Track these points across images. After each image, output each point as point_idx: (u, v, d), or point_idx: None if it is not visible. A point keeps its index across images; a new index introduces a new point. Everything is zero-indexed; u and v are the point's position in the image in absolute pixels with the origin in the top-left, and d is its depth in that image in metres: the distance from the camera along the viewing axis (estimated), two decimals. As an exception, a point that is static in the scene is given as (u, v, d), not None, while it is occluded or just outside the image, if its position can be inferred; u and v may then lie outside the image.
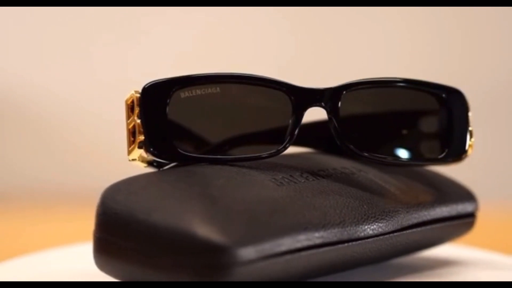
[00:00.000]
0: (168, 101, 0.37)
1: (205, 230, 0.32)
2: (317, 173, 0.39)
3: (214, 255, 0.31)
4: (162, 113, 0.37)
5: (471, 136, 0.42)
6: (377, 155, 0.41)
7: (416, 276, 0.40)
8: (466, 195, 0.44)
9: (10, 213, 0.92)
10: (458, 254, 0.46)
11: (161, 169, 0.38)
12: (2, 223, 0.83)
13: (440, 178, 0.45)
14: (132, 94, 0.37)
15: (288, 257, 0.34)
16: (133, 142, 0.37)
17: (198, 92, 0.37)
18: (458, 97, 0.42)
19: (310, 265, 0.36)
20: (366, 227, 0.37)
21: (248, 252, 0.32)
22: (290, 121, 0.38)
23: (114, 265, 0.34)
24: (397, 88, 0.42)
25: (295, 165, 0.39)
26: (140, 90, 0.37)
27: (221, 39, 1.14)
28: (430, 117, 0.43)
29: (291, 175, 0.38)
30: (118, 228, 0.33)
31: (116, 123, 1.13)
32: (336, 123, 0.39)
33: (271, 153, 0.38)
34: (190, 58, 1.12)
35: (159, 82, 0.37)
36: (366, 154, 0.40)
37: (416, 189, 0.43)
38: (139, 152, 0.37)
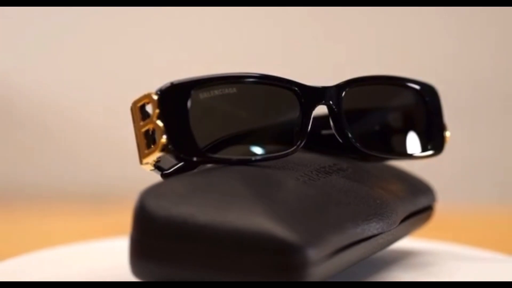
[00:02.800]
0: (188, 102, 0.36)
1: (279, 230, 0.31)
2: (322, 171, 0.39)
3: (290, 255, 0.30)
4: (184, 114, 0.35)
5: (445, 130, 0.44)
6: (377, 151, 0.42)
7: (399, 268, 0.41)
8: (429, 188, 0.46)
9: (9, 212, 0.89)
10: (417, 246, 0.48)
11: (164, 172, 0.37)
12: (3, 222, 0.81)
13: (405, 173, 0.46)
14: (146, 95, 0.36)
15: (340, 254, 0.34)
16: (148, 145, 0.36)
17: (216, 92, 0.36)
18: (433, 93, 0.44)
19: (351, 261, 0.36)
20: (385, 221, 0.38)
21: (316, 252, 0.31)
22: (300, 119, 0.38)
23: (164, 270, 0.32)
24: (386, 85, 0.43)
25: (301, 163, 0.39)
26: (155, 92, 0.36)
27: (220, 39, 1.13)
28: (413, 113, 0.44)
29: (305, 173, 0.37)
30: (175, 233, 0.32)
31: (115, 123, 1.11)
32: (341, 121, 0.39)
33: (289, 151, 0.38)
34: (191, 59, 1.10)
35: (180, 83, 0.36)
36: (368, 150, 0.41)
37: (396, 182, 0.44)
38: (156, 155, 0.36)
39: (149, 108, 0.36)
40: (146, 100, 0.36)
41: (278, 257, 0.31)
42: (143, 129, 0.36)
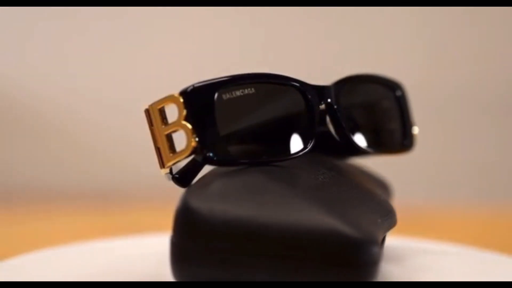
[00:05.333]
0: (214, 103, 0.35)
1: (347, 228, 0.31)
2: (326, 168, 0.40)
3: (362, 254, 0.30)
4: (211, 115, 0.35)
5: (414, 126, 0.45)
6: (368, 148, 0.42)
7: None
8: (389, 185, 0.47)
9: (9, 212, 0.89)
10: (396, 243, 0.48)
11: (174, 174, 0.37)
12: (3, 222, 0.81)
13: (369, 170, 0.47)
14: (170, 97, 0.35)
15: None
16: (171, 148, 0.35)
17: (237, 93, 0.36)
18: (403, 90, 0.45)
19: None
20: (394, 218, 0.38)
21: (379, 249, 0.32)
22: (309, 119, 0.38)
23: (222, 271, 0.32)
24: (367, 83, 0.44)
25: (306, 162, 0.39)
26: (179, 93, 0.35)
27: (218, 39, 1.13)
28: (390, 110, 0.45)
29: (318, 172, 0.38)
30: (235, 235, 0.31)
31: (116, 123, 1.11)
32: (340, 119, 0.40)
33: (304, 150, 0.38)
34: (191, 61, 1.10)
35: (205, 83, 0.36)
36: (364, 148, 0.41)
37: (374, 181, 0.45)
38: (180, 158, 0.35)
39: (168, 110, 0.36)
40: (169, 102, 0.36)
41: (349, 256, 0.30)
42: (166, 132, 0.35)
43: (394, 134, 0.45)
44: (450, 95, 1.11)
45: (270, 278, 0.31)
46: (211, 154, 0.35)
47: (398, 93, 0.45)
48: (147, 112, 0.36)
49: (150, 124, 0.36)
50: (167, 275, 0.40)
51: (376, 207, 0.37)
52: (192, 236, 0.32)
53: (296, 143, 0.38)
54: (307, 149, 0.38)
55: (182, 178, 0.37)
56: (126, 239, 0.50)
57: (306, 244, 0.30)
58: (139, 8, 1.07)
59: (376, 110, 0.45)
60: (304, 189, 0.34)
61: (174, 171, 0.37)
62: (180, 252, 0.32)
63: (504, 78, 1.12)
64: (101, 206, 0.93)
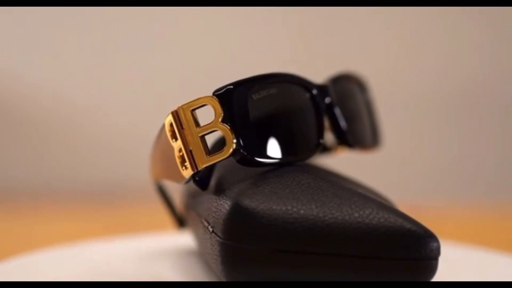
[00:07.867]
0: (248, 104, 0.35)
1: (409, 225, 0.31)
2: (323, 168, 0.40)
3: (431, 250, 0.30)
4: (246, 116, 0.35)
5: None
6: (359, 145, 0.43)
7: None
8: None
9: (9, 212, 0.89)
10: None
11: (196, 177, 0.36)
12: (3, 222, 0.81)
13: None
14: (205, 98, 0.35)
15: None
16: (206, 149, 0.35)
17: (264, 93, 0.36)
18: (367, 88, 0.46)
19: None
20: None
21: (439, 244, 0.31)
22: (318, 117, 0.38)
23: (282, 272, 0.32)
24: (343, 81, 0.44)
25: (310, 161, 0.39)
26: (214, 94, 0.35)
27: (216, 39, 1.13)
28: (363, 108, 0.45)
29: (325, 172, 0.38)
30: (303, 236, 0.31)
31: (115, 123, 1.11)
32: (337, 116, 0.40)
33: (318, 149, 0.38)
34: (188, 61, 1.10)
35: (241, 84, 0.35)
36: (358, 145, 0.42)
37: None
38: (218, 160, 0.34)
39: (200, 112, 0.35)
40: (203, 103, 0.35)
41: (417, 251, 0.30)
42: (202, 133, 0.35)
43: (366, 131, 0.45)
44: (449, 95, 1.12)
45: (336, 277, 0.31)
46: (249, 155, 0.35)
47: (367, 91, 0.45)
48: (176, 113, 0.35)
49: (180, 126, 0.35)
50: (166, 275, 0.40)
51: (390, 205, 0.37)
52: (253, 237, 0.31)
53: (313, 141, 0.38)
54: (321, 146, 0.38)
55: (202, 180, 0.37)
56: (126, 239, 0.50)
57: (375, 241, 0.30)
58: (140, 9, 1.07)
59: (354, 108, 0.45)
60: (347, 187, 0.34)
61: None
62: (239, 253, 0.32)
63: (498, 74, 1.13)
64: (100, 206, 0.93)
